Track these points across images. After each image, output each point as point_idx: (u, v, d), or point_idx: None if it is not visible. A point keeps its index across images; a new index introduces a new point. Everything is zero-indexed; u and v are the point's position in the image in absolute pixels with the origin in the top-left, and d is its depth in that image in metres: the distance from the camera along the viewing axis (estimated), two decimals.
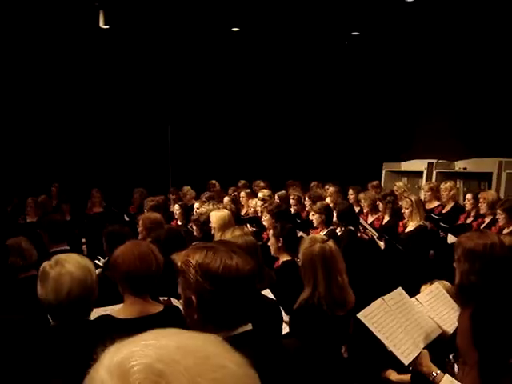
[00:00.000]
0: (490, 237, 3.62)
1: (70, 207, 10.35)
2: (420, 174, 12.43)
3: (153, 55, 13.37)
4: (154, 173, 13.49)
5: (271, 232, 5.63)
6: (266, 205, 7.98)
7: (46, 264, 2.91)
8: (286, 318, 4.34)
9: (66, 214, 9.69)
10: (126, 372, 0.84)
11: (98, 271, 3.62)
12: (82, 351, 1.02)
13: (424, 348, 3.24)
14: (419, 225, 7.47)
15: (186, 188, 10.72)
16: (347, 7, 10.60)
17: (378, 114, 13.74)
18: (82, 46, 12.45)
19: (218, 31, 12.21)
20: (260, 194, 9.19)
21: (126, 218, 9.70)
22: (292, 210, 8.99)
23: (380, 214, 8.63)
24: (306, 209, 8.93)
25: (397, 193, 9.48)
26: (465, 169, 11.72)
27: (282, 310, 4.35)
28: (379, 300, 3.41)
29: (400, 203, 8.39)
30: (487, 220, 7.77)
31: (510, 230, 6.83)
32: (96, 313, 3.21)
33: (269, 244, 5.65)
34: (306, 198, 9.03)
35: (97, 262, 5.39)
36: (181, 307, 3.04)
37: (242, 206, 9.81)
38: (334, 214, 7.63)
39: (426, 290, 3.78)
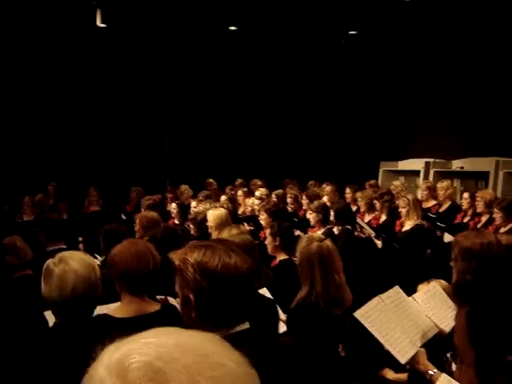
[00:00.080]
0: (487, 236, 3.62)
1: (67, 206, 10.36)
2: (417, 173, 12.44)
3: (150, 54, 13.35)
4: (151, 172, 13.46)
5: (268, 231, 5.64)
6: (263, 204, 7.98)
7: (49, 261, 2.91)
8: (283, 316, 4.35)
9: (63, 213, 9.69)
10: (125, 370, 0.84)
11: None
12: (85, 348, 1.02)
13: (421, 347, 3.24)
14: (416, 224, 7.48)
15: (184, 187, 10.72)
16: (345, 6, 10.60)
17: (375, 113, 13.74)
18: (79, 44, 12.44)
19: (216, 30, 12.21)
20: (257, 193, 9.19)
21: (123, 217, 9.70)
22: (289, 208, 8.99)
23: (377, 213, 8.64)
24: (303, 207, 8.93)
25: (394, 192, 9.48)
26: (462, 168, 11.73)
27: (279, 308, 4.35)
28: (376, 298, 3.41)
29: (397, 202, 8.40)
30: (484, 219, 7.78)
31: (506, 229, 6.84)
32: (99, 310, 3.21)
33: (266, 243, 5.65)
34: (303, 197, 9.03)
35: None
36: (178, 306, 3.04)
37: (239, 204, 9.81)
38: (331, 212, 7.63)
39: (423, 289, 3.78)
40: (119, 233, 4.95)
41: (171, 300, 3.71)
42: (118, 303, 3.29)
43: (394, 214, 8.30)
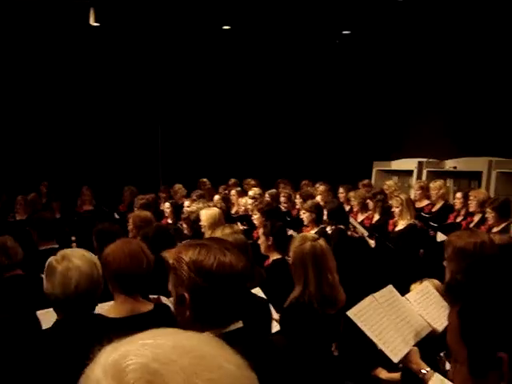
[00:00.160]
0: (480, 235, 3.64)
1: (59, 205, 10.33)
2: (410, 172, 12.46)
3: (143, 54, 13.33)
4: (144, 171, 13.46)
5: (261, 230, 5.64)
6: (256, 203, 7.98)
7: (51, 259, 2.91)
8: (276, 316, 4.35)
9: (55, 212, 9.67)
10: (121, 371, 0.83)
11: None
12: (87, 346, 1.01)
13: (414, 345, 3.24)
14: (409, 223, 7.49)
15: (178, 186, 10.71)
16: (338, 6, 10.60)
17: (369, 113, 13.75)
18: (72, 43, 12.40)
19: (209, 29, 12.20)
20: (250, 193, 9.18)
21: (117, 216, 9.68)
22: (282, 208, 8.99)
23: (370, 212, 8.65)
24: (297, 207, 8.94)
25: (387, 191, 9.50)
26: (455, 168, 11.76)
27: (272, 308, 4.35)
28: (369, 297, 3.42)
29: (390, 202, 8.41)
30: (476, 218, 7.81)
31: (499, 228, 6.86)
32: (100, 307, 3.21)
33: (259, 242, 5.65)
34: (297, 197, 9.03)
35: None
36: (171, 305, 3.04)
37: (233, 204, 9.81)
38: (325, 212, 7.64)
39: (416, 289, 3.78)
40: (112, 232, 4.94)
41: (164, 299, 3.71)
42: (111, 303, 3.28)
43: (386, 213, 8.31)
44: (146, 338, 0.90)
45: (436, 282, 3.89)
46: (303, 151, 14.06)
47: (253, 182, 11.00)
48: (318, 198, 8.88)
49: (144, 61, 13.50)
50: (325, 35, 12.82)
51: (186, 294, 2.05)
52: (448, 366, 3.04)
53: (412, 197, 8.93)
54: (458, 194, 8.58)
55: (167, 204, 8.62)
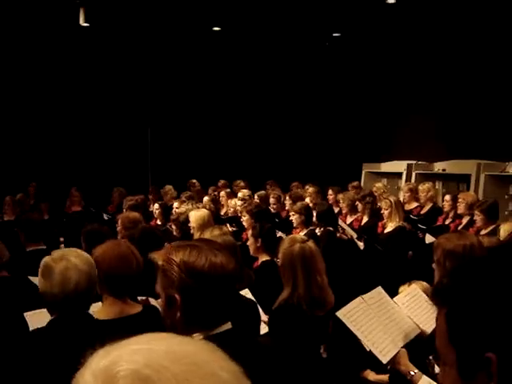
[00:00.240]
0: (469, 238, 3.65)
1: (48, 206, 10.29)
2: (399, 175, 12.50)
3: (133, 55, 13.31)
4: (133, 172, 13.43)
5: (250, 232, 5.63)
6: (246, 205, 7.98)
7: (47, 259, 2.90)
8: (264, 317, 4.35)
9: (44, 213, 9.62)
10: (112, 377, 0.82)
11: None
12: (80, 346, 1.00)
13: (402, 347, 3.25)
14: (398, 225, 7.51)
15: (168, 187, 10.68)
16: (328, 8, 10.62)
17: (358, 115, 13.78)
18: (62, 44, 12.36)
19: (199, 31, 12.18)
20: (240, 194, 9.18)
21: (105, 217, 9.65)
22: (272, 209, 9.00)
23: (359, 214, 8.66)
24: (286, 208, 8.94)
25: (376, 194, 9.52)
26: (444, 170, 11.80)
27: (260, 309, 4.35)
28: (358, 299, 3.43)
29: (379, 204, 8.43)
30: (465, 221, 7.84)
31: (487, 231, 6.89)
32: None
33: (248, 244, 5.65)
34: (287, 198, 9.04)
35: None
36: (159, 307, 3.03)
37: (222, 205, 9.80)
38: (314, 214, 7.65)
39: (404, 292, 3.79)
40: (101, 233, 4.93)
41: (152, 301, 3.70)
42: (99, 304, 3.27)
43: (376, 215, 8.34)
44: (138, 343, 0.88)
45: (424, 284, 3.90)
46: (293, 153, 14.07)
47: (242, 184, 11.00)
48: (308, 200, 8.89)
49: (134, 62, 13.47)
50: (315, 37, 12.83)
51: (177, 296, 2.04)
52: (437, 369, 3.04)
53: (401, 199, 8.95)
54: (447, 197, 8.61)
55: (156, 205, 8.61)
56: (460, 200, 7.98)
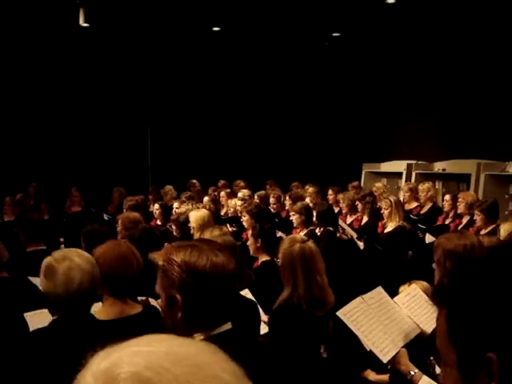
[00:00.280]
0: (470, 237, 3.64)
1: (48, 206, 10.29)
2: (399, 174, 12.49)
3: (133, 55, 13.30)
4: (133, 172, 13.43)
5: (250, 232, 5.63)
6: (246, 205, 7.98)
7: (49, 260, 2.90)
8: (264, 317, 4.35)
9: (44, 213, 9.62)
10: (113, 379, 0.81)
11: None
12: (82, 347, 1.00)
13: (403, 347, 3.25)
14: (398, 225, 7.51)
15: (168, 187, 10.68)
16: (328, 8, 10.61)
17: (359, 115, 13.78)
18: (62, 44, 12.35)
19: (199, 31, 12.17)
20: (240, 194, 9.18)
21: (105, 218, 9.65)
22: (272, 209, 9.00)
23: (359, 214, 8.66)
24: (286, 208, 8.94)
25: (376, 193, 9.52)
26: (444, 170, 11.80)
27: (260, 309, 4.35)
28: (358, 299, 3.42)
29: (379, 204, 8.43)
30: (465, 221, 7.84)
31: (487, 230, 6.89)
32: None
33: (248, 244, 5.65)
34: (287, 198, 9.04)
35: None
36: (159, 307, 3.03)
37: (222, 205, 9.80)
38: (314, 214, 7.65)
39: (404, 292, 3.79)
40: (101, 233, 4.93)
41: (152, 301, 3.70)
42: (99, 304, 3.27)
43: (375, 215, 8.34)
44: (139, 344, 0.88)
45: (425, 283, 3.90)
46: (293, 153, 14.07)
47: (242, 184, 11.00)
48: (308, 200, 8.89)
49: (134, 62, 13.47)
50: (315, 37, 12.82)
51: (178, 296, 2.03)
52: (438, 369, 3.04)
53: (401, 199, 8.95)
54: (447, 196, 8.61)
55: (156, 205, 8.61)
56: (460, 200, 7.98)
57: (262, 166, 13.38)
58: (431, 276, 3.66)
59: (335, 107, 14.06)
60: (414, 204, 9.17)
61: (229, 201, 9.43)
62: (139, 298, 3.64)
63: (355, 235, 7.80)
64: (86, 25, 10.74)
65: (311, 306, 3.93)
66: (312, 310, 3.94)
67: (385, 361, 3.15)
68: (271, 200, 9.20)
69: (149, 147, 14.53)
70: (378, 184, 10.53)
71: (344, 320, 3.26)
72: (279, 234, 6.75)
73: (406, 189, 9.53)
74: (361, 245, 7.71)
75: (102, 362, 0.85)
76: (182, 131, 14.16)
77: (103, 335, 2.70)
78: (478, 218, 7.08)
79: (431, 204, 9.04)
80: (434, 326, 1.44)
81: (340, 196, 9.14)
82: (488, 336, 1.24)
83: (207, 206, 8.25)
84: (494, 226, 6.89)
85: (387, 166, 13.02)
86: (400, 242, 7.45)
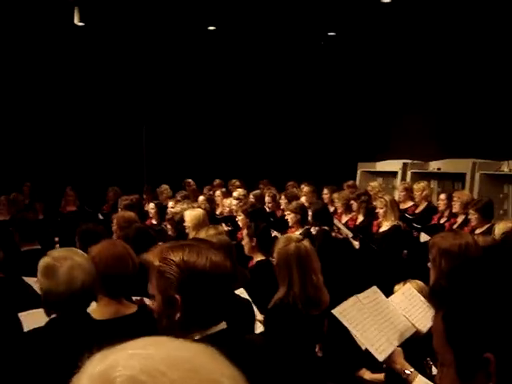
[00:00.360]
0: (465, 237, 3.65)
1: (43, 206, 10.26)
2: (395, 174, 12.50)
3: (128, 54, 13.29)
4: (128, 171, 13.42)
5: (245, 231, 5.63)
6: (241, 204, 7.98)
7: (48, 259, 2.90)
8: (259, 317, 4.35)
9: (39, 213, 9.58)
10: (109, 383, 0.80)
11: None
12: (79, 347, 0.99)
13: (398, 346, 3.25)
14: (393, 224, 7.51)
15: (164, 187, 10.66)
16: (323, 7, 10.62)
17: (354, 115, 13.78)
18: (57, 43, 12.33)
19: (194, 30, 12.17)
20: (235, 194, 9.18)
21: (100, 217, 9.63)
22: (267, 208, 9.00)
23: (354, 213, 8.66)
24: (281, 207, 8.94)
25: (371, 193, 9.52)
26: (439, 169, 11.81)
27: (255, 309, 4.34)
28: (353, 298, 3.42)
29: (374, 203, 8.43)
30: (460, 220, 7.84)
31: (482, 229, 6.89)
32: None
33: (243, 243, 5.64)
34: (282, 197, 9.04)
35: None
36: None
37: (217, 205, 9.79)
38: (309, 213, 7.64)
39: (398, 292, 3.79)
40: (96, 233, 4.91)
41: (147, 301, 3.69)
42: (93, 303, 3.26)
43: (370, 214, 8.33)
44: (136, 347, 0.86)
45: (419, 283, 3.90)
46: (288, 152, 14.07)
47: (237, 183, 11.00)
48: (303, 199, 8.89)
49: (128, 61, 13.45)
50: (310, 37, 12.83)
51: (178, 296, 2.01)
52: (435, 370, 3.04)
53: (396, 198, 8.95)
54: (442, 196, 8.62)
55: (152, 205, 8.60)
56: (455, 199, 7.98)
57: (258, 165, 13.37)
58: (426, 275, 3.66)
59: (330, 106, 14.07)
60: (409, 203, 9.18)
61: (224, 200, 9.42)
62: (134, 298, 3.63)
63: (350, 234, 7.80)
64: (80, 24, 10.71)
65: (306, 305, 3.93)
66: (307, 310, 3.94)
67: (380, 359, 3.15)
68: (266, 199, 9.20)
69: (144, 146, 14.51)
70: (373, 183, 10.53)
71: (339, 318, 3.26)
72: (274, 233, 6.75)
73: (401, 188, 9.53)
74: (356, 244, 7.71)
75: (98, 364, 0.84)
76: (177, 130, 14.15)
77: (99, 335, 2.70)
78: (473, 217, 7.08)
79: (426, 203, 9.04)
80: (429, 325, 1.44)
81: (335, 195, 9.14)
82: (485, 336, 1.24)
83: (202, 206, 8.24)
84: (488, 225, 6.89)
85: (382, 166, 13.03)
86: (395, 242, 7.45)
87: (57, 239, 8.35)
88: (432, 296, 1.42)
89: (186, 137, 14.17)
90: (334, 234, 7.65)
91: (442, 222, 8.30)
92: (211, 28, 12.07)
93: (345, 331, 3.28)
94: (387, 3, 9.94)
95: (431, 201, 9.47)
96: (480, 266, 1.40)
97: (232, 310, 2.34)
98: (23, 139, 12.86)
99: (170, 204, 8.35)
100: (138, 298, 3.70)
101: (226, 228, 7.48)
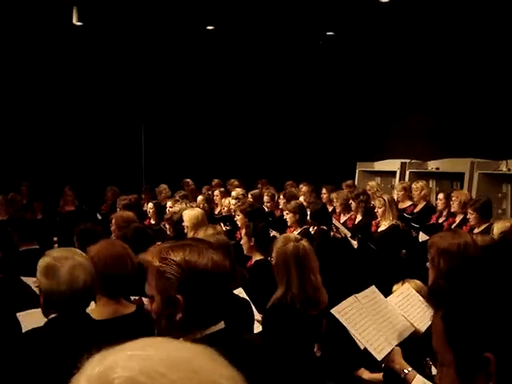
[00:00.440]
0: (463, 236, 3.65)
1: (41, 205, 10.25)
2: (393, 173, 12.51)
3: (127, 54, 13.27)
4: (127, 171, 13.41)
5: (243, 231, 5.63)
6: (240, 204, 7.98)
7: (48, 259, 2.89)
8: (258, 316, 4.35)
9: (37, 213, 9.58)
10: None
11: None
12: (79, 347, 0.98)
13: (397, 346, 3.25)
14: (392, 224, 7.51)
15: (163, 186, 10.64)
16: (322, 7, 10.61)
17: (352, 114, 13.78)
18: (55, 43, 12.31)
19: (193, 29, 12.16)
20: (233, 193, 9.17)
21: (99, 217, 9.63)
22: (266, 208, 9.00)
23: (352, 213, 8.66)
24: (280, 207, 8.94)
25: (370, 192, 9.52)
26: (437, 169, 11.82)
27: (254, 308, 4.34)
28: (351, 298, 3.42)
29: (373, 202, 8.44)
30: (458, 219, 7.85)
31: (480, 229, 6.89)
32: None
33: (242, 243, 5.64)
34: (281, 197, 9.05)
35: None
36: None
37: (216, 204, 9.79)
38: (308, 213, 7.64)
39: (397, 292, 3.79)
40: (94, 232, 4.92)
41: (146, 301, 3.69)
42: (92, 303, 3.25)
43: (369, 214, 8.34)
44: (135, 348, 0.86)
45: (418, 282, 3.90)
46: (287, 152, 14.07)
47: (236, 183, 10.99)
48: (302, 199, 8.89)
49: (127, 60, 13.44)
50: (308, 36, 12.83)
51: (179, 296, 1.99)
52: (434, 370, 3.05)
53: (395, 197, 8.95)
54: (441, 195, 8.62)
55: (150, 204, 8.59)
56: (453, 198, 7.99)
57: (256, 164, 13.36)
58: (425, 275, 3.66)
59: (329, 106, 14.06)
60: (408, 203, 9.18)
61: (223, 200, 9.43)
62: (133, 298, 3.63)
63: (349, 234, 7.80)
64: (79, 23, 10.70)
65: (305, 304, 3.93)
66: (306, 309, 3.94)
67: (379, 358, 3.15)
68: (265, 199, 9.20)
69: (142, 146, 14.51)
70: (372, 183, 10.54)
71: (338, 318, 3.26)
72: (273, 232, 6.75)
73: (399, 188, 9.53)
74: (354, 244, 7.72)
75: (97, 366, 0.83)
76: (175, 130, 14.14)
77: (98, 335, 2.70)
78: (472, 216, 7.08)
79: (425, 203, 9.05)
80: (428, 324, 1.44)
81: (334, 195, 9.15)
82: (485, 336, 1.24)
83: (201, 205, 8.24)
84: (487, 224, 6.90)
85: (381, 165, 13.03)
86: (394, 241, 7.46)
87: (55, 239, 8.34)
88: (431, 296, 1.42)
89: (185, 136, 14.17)
90: (332, 234, 7.66)
91: (440, 221, 8.30)
92: (209, 27, 12.06)
93: (343, 331, 3.28)
94: (385, 3, 9.94)
95: (430, 200, 9.48)
96: (479, 266, 1.40)
97: (231, 310, 2.34)
98: (21, 139, 12.84)
99: (169, 204, 8.34)
100: (137, 297, 3.70)
101: (224, 228, 7.49)
